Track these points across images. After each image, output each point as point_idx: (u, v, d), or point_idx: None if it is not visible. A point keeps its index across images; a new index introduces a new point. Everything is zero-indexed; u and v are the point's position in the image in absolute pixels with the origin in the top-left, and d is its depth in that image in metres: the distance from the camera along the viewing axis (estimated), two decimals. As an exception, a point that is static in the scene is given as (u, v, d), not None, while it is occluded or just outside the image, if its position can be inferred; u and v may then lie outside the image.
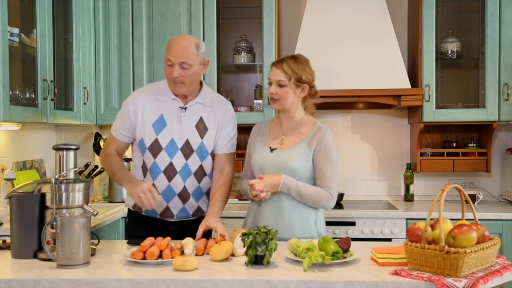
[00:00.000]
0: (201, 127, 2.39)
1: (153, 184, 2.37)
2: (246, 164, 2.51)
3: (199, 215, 2.47)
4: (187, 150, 2.36)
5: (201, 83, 2.45)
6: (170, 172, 2.37)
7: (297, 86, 2.33)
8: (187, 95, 2.38)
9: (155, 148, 2.36)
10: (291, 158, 2.31)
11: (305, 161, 2.31)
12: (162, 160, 2.36)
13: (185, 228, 2.42)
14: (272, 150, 2.37)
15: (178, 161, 2.36)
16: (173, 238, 2.21)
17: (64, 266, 1.84)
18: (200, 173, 2.41)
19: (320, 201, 2.29)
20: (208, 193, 2.46)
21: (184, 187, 2.39)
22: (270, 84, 2.36)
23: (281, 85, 2.32)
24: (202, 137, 2.38)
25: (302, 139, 2.35)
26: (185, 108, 2.37)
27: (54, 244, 1.95)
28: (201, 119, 2.39)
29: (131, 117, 2.38)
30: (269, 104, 2.70)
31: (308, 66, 2.37)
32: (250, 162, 2.44)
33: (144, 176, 2.41)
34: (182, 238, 2.16)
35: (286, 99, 2.33)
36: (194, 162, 2.38)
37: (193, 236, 2.18)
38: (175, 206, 2.40)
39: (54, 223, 1.93)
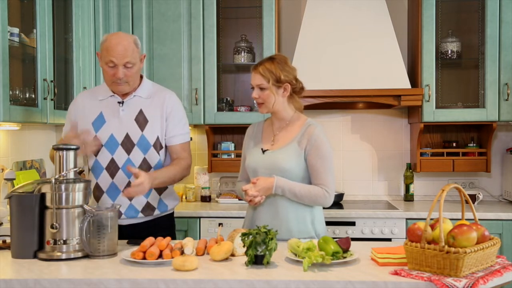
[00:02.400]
0: (141, 120, 2.35)
1: (97, 183, 2.37)
2: (242, 166, 2.51)
3: (151, 214, 2.41)
4: (127, 144, 2.34)
5: (141, 77, 2.44)
6: (112, 168, 2.35)
7: (278, 87, 2.32)
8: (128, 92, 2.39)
9: None
10: (282, 159, 2.30)
11: (296, 160, 2.30)
12: (103, 157, 2.35)
13: (137, 230, 2.37)
14: (263, 151, 2.37)
15: (120, 156, 2.34)
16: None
17: (104, 256, 1.98)
18: (144, 167, 2.35)
19: (316, 199, 2.29)
20: (158, 189, 2.41)
21: (129, 182, 2.32)
22: (252, 89, 2.36)
23: (262, 89, 2.32)
24: (142, 130, 2.35)
25: (292, 138, 2.34)
26: (122, 103, 2.36)
27: (55, 244, 1.96)
28: (140, 111, 2.37)
29: (72, 119, 2.42)
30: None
31: (286, 64, 2.35)
32: (245, 164, 2.44)
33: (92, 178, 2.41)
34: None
35: (270, 102, 2.33)
36: (136, 156, 2.35)
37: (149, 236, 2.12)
38: (121, 203, 2.34)
39: (55, 223, 1.94)
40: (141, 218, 2.41)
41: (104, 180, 2.36)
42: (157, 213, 2.43)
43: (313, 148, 2.30)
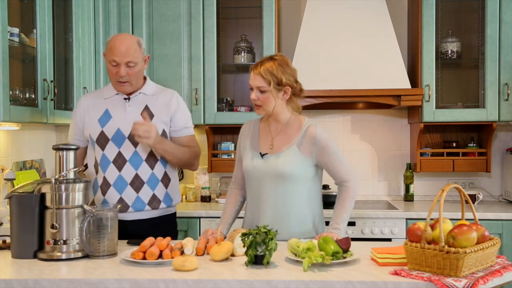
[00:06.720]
0: (147, 114, 2.40)
1: (104, 177, 2.40)
2: (237, 167, 2.46)
3: (157, 207, 2.45)
4: (134, 137, 2.35)
5: (144, 78, 2.52)
6: (119, 161, 2.39)
7: (279, 90, 2.25)
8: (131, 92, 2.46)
9: (102, 140, 2.40)
10: (282, 163, 2.26)
11: (297, 164, 2.26)
12: (111, 150, 2.40)
13: (142, 227, 2.41)
14: (262, 155, 2.32)
15: (127, 149, 2.39)
16: (130, 238, 2.31)
17: (104, 256, 1.98)
18: (151, 159, 2.42)
19: (354, 198, 2.33)
20: (164, 181, 2.46)
21: (136, 175, 2.39)
22: (251, 89, 2.29)
23: (261, 91, 2.24)
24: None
25: (292, 142, 2.29)
26: (129, 99, 2.45)
27: (55, 244, 1.96)
28: (146, 107, 2.44)
29: (78, 121, 2.49)
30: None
31: (288, 66, 2.27)
32: (241, 165, 2.40)
33: (97, 172, 2.44)
34: (139, 237, 2.25)
35: (269, 105, 2.26)
36: (144, 148, 2.40)
37: (152, 235, 2.14)
38: (128, 196, 2.39)
39: (55, 223, 1.94)
40: (147, 211, 2.43)
41: (111, 173, 2.40)
42: (163, 206, 2.46)
43: (321, 149, 2.28)
